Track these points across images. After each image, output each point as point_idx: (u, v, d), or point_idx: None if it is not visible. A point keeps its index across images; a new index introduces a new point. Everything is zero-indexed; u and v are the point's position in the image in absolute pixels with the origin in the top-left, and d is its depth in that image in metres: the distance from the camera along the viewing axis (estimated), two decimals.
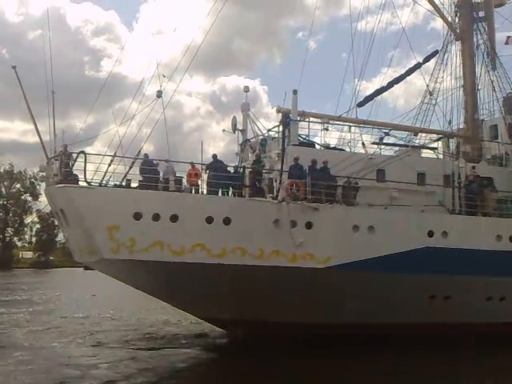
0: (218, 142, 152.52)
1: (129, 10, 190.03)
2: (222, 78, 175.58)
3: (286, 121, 20.49)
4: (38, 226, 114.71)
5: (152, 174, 18.44)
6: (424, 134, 25.28)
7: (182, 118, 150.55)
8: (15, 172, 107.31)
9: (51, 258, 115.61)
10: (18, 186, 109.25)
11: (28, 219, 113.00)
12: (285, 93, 21.76)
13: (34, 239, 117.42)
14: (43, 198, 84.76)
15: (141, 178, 18.59)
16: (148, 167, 18.60)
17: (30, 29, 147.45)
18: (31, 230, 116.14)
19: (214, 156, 19.85)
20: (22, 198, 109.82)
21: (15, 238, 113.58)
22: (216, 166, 19.28)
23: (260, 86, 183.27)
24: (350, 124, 22.86)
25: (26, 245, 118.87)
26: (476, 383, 16.45)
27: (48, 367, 16.64)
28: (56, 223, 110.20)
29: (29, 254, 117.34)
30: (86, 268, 77.50)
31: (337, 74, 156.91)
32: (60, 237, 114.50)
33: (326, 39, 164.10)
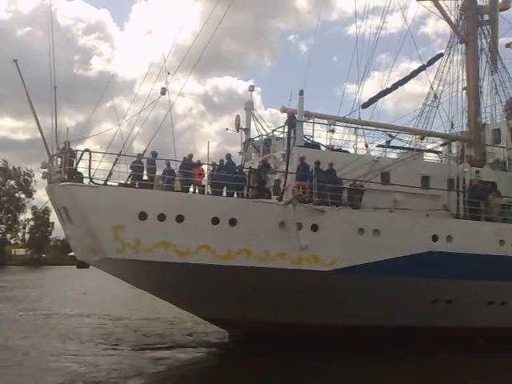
0: (210, 142, 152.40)
1: (121, 8, 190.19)
2: (214, 78, 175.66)
3: (292, 121, 20.37)
4: (32, 223, 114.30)
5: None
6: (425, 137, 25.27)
7: (174, 118, 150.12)
8: (10, 169, 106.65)
9: (44, 255, 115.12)
10: (12, 182, 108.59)
11: (21, 216, 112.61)
12: (290, 93, 21.75)
13: (26, 236, 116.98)
14: (37, 196, 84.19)
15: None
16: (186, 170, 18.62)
17: (19, 26, 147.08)
18: (24, 228, 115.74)
19: (228, 156, 19.79)
20: (16, 195, 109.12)
21: (8, 235, 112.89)
22: (227, 166, 19.21)
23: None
24: (357, 126, 22.75)
25: (19, 242, 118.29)
26: None
27: (37, 368, 16.53)
28: (50, 221, 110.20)
29: (21, 252, 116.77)
30: (80, 266, 77.09)
31: (329, 77, 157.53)
32: (53, 234, 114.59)
33: (318, 43, 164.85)
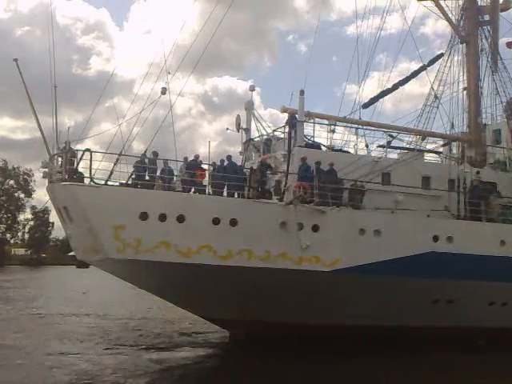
0: (209, 142, 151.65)
1: (120, 8, 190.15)
2: (214, 78, 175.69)
3: (293, 121, 20.35)
4: (32, 223, 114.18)
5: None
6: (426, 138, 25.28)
7: (173, 118, 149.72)
8: (9, 168, 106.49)
9: (44, 255, 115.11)
10: (11, 182, 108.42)
11: (21, 216, 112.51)
12: (291, 93, 21.70)
13: (26, 236, 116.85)
14: (36, 195, 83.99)
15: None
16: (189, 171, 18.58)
17: (18, 25, 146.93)
18: (24, 227, 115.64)
19: (229, 157, 19.72)
20: (15, 194, 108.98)
21: (8, 235, 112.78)
22: (230, 167, 19.19)
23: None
24: (358, 126, 22.74)
25: (19, 242, 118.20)
26: None
27: (42, 366, 16.49)
28: (50, 220, 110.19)
29: (21, 251, 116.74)
30: (79, 266, 77.37)
31: (328, 77, 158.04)
32: (53, 234, 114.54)
33: (317, 43, 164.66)
